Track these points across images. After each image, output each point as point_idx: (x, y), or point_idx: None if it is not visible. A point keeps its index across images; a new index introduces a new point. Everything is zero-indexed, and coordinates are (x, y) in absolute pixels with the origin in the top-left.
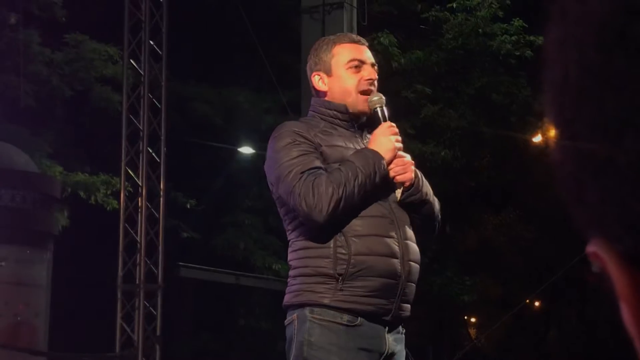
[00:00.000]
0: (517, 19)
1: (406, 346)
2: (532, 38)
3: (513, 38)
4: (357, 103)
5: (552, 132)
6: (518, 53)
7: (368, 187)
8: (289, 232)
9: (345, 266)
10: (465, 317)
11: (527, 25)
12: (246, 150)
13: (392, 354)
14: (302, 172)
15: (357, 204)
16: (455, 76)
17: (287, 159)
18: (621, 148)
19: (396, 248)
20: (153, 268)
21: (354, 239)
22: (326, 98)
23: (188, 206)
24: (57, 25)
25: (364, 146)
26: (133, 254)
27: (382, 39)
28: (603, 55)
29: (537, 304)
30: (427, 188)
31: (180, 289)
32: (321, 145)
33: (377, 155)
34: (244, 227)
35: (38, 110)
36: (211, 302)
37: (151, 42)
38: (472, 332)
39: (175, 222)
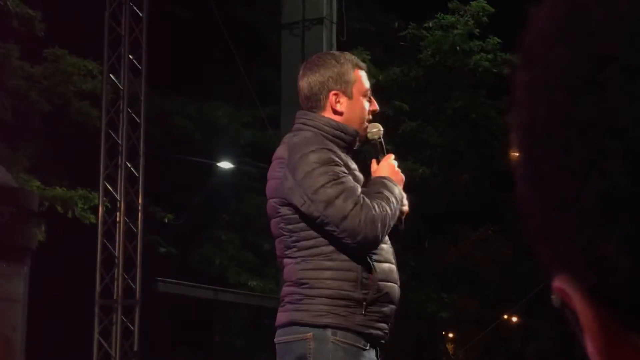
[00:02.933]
0: (492, 36)
1: None
2: (507, 56)
3: (489, 56)
4: (361, 131)
5: (518, 172)
6: (496, 70)
7: (397, 216)
8: (297, 249)
9: (367, 291)
10: (444, 333)
11: (502, 41)
12: (225, 165)
13: None
14: (357, 197)
15: None
16: (434, 93)
17: (331, 178)
18: (587, 188)
19: (396, 275)
20: (131, 283)
21: (376, 264)
22: (339, 119)
23: (166, 221)
24: (37, 39)
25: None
26: (111, 268)
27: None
28: (570, 100)
29: (514, 319)
30: None
31: (158, 304)
32: (350, 168)
33: (401, 192)
34: (221, 243)
35: (16, 125)
36: (189, 318)
37: (130, 57)
38: (450, 347)
39: (153, 237)
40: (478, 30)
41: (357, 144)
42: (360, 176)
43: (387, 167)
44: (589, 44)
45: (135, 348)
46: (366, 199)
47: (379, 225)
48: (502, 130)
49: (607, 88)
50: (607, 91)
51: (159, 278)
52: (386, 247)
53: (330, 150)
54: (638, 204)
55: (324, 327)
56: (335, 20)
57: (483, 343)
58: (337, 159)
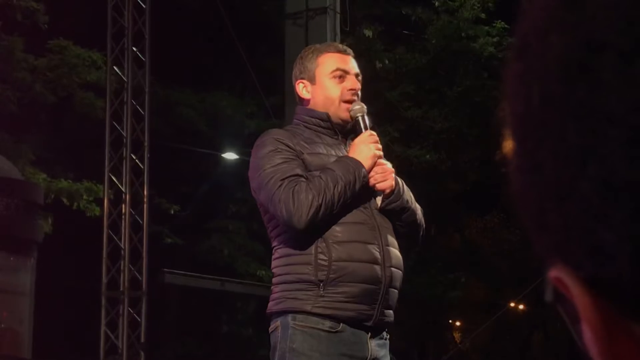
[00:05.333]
0: (499, 21)
1: (391, 351)
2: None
3: (495, 40)
4: (339, 112)
5: (512, 163)
6: (501, 55)
7: (348, 194)
8: (272, 239)
9: (326, 272)
10: (450, 321)
11: (509, 27)
12: (230, 155)
13: (375, 359)
14: (283, 179)
15: (338, 211)
16: (438, 79)
17: (268, 166)
18: (585, 175)
19: (377, 254)
20: (137, 275)
21: (334, 245)
22: (309, 106)
23: (172, 212)
24: (41, 31)
25: (344, 154)
26: (117, 260)
27: (365, 30)
28: (565, 88)
29: (521, 307)
30: (408, 195)
31: (165, 295)
32: (303, 153)
33: (357, 163)
34: (228, 233)
35: (21, 117)
36: (195, 309)
37: (134, 49)
38: (457, 335)
39: (159, 228)
40: (484, 15)
41: (340, 126)
42: (329, 161)
43: (357, 144)
44: (584, 31)
45: (142, 339)
46: (294, 182)
47: (304, 205)
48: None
49: (604, 74)
50: (604, 77)
51: (166, 269)
52: (358, 225)
53: (276, 139)
54: (637, 190)
55: (285, 313)
56: (339, 9)
57: (489, 331)
58: (282, 145)
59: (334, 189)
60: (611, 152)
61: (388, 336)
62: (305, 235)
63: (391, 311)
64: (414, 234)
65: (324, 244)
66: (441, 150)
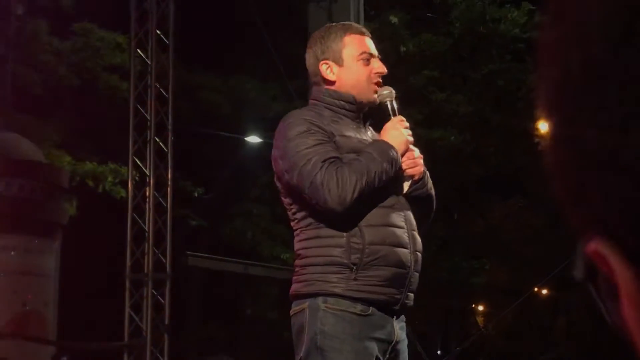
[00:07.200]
0: (525, 2)
1: (415, 335)
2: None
3: (522, 20)
4: (367, 94)
5: (547, 132)
6: (526, 36)
7: (384, 178)
8: (296, 221)
9: (359, 255)
10: (473, 306)
11: (534, 8)
12: (253, 139)
13: (398, 342)
14: (324, 161)
15: (373, 195)
16: (462, 63)
17: (303, 147)
18: (627, 144)
19: (406, 238)
20: (161, 257)
21: (367, 228)
22: (333, 87)
23: (195, 195)
24: (65, 14)
25: (368, 137)
26: (141, 243)
27: (391, 17)
28: (608, 53)
29: (545, 292)
30: (431, 184)
31: (189, 278)
32: (334, 135)
33: (392, 148)
34: (252, 217)
35: (46, 100)
36: (219, 291)
37: (158, 32)
38: (480, 320)
39: (183, 211)
40: None
41: (364, 108)
42: (358, 144)
43: (389, 129)
44: None
45: (166, 322)
46: (334, 164)
47: (348, 187)
48: (531, 96)
49: None
50: None
51: (189, 252)
52: (389, 210)
53: (307, 120)
54: None
55: (315, 295)
56: None
57: (513, 316)
58: (314, 127)
59: (374, 173)
60: None
61: (405, 319)
62: (338, 218)
63: (413, 295)
64: (425, 221)
65: (357, 227)
66: (465, 133)
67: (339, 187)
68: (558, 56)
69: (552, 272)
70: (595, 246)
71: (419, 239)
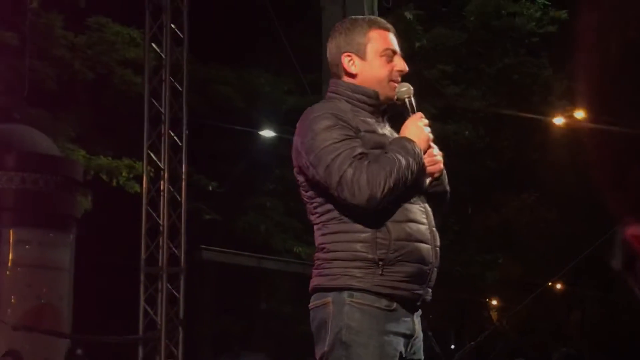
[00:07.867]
0: None
1: (429, 329)
2: (556, 14)
3: (537, 14)
4: (386, 91)
5: (586, 116)
6: (541, 31)
7: (408, 176)
8: (317, 215)
9: (385, 251)
10: (487, 300)
11: (549, 3)
12: (267, 133)
13: (416, 337)
14: (354, 157)
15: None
16: (476, 57)
17: (331, 141)
18: None
19: (428, 235)
20: (175, 251)
21: (392, 224)
22: (353, 81)
23: (210, 189)
24: (80, 8)
25: (387, 132)
26: (155, 237)
27: (406, 13)
28: None
29: (559, 286)
30: (447, 180)
31: (203, 272)
32: (360, 130)
33: (415, 145)
34: (265, 210)
35: (61, 94)
36: (233, 285)
37: (172, 26)
38: (494, 314)
39: (197, 205)
40: None
41: (384, 104)
42: (382, 139)
43: (410, 126)
44: None
45: (181, 315)
46: (363, 160)
47: (378, 184)
48: (545, 91)
49: None
50: None
51: (203, 246)
52: (411, 206)
53: (335, 114)
54: None
55: (340, 289)
56: None
57: (527, 310)
58: (341, 122)
59: (403, 169)
60: None
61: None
62: (362, 213)
63: (431, 290)
64: (439, 216)
65: (382, 223)
66: (479, 127)
67: (369, 184)
68: (597, 41)
69: (566, 266)
70: (635, 231)
71: (437, 234)
